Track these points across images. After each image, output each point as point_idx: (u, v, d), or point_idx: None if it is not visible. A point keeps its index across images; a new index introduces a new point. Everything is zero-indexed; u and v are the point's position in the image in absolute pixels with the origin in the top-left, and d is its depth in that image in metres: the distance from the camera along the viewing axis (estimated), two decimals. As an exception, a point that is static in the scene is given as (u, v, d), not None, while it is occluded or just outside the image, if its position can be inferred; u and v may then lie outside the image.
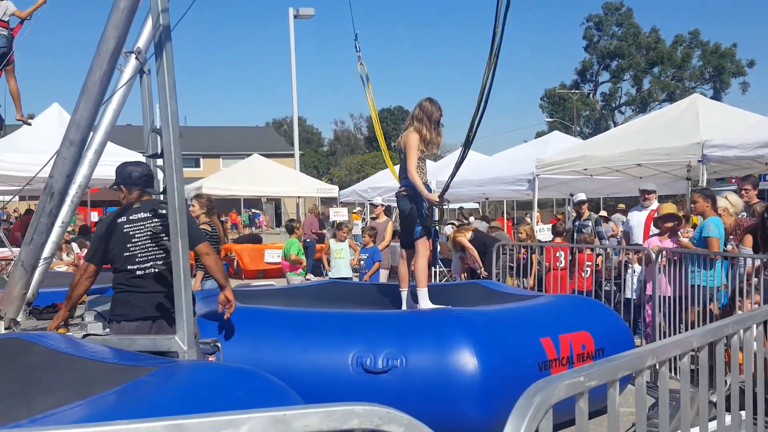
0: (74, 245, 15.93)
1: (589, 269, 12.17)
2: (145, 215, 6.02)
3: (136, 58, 6.57)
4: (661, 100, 77.86)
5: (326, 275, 15.91)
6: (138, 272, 5.93)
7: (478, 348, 6.55)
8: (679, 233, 10.72)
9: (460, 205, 30.54)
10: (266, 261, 22.00)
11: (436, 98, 8.25)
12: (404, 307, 8.45)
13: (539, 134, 66.44)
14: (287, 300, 9.22)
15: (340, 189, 30.09)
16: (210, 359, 5.39)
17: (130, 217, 5.99)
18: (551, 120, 76.36)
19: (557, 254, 12.65)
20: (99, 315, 5.93)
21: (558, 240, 14.27)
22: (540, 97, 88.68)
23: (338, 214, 25.05)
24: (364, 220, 28.74)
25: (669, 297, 9.66)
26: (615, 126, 65.05)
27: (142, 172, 6.20)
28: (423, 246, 8.17)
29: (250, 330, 7.00)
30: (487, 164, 21.27)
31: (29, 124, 11.77)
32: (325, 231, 23.56)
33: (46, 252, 6.34)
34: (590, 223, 14.80)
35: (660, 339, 9.95)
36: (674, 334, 9.41)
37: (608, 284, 11.98)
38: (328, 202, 35.05)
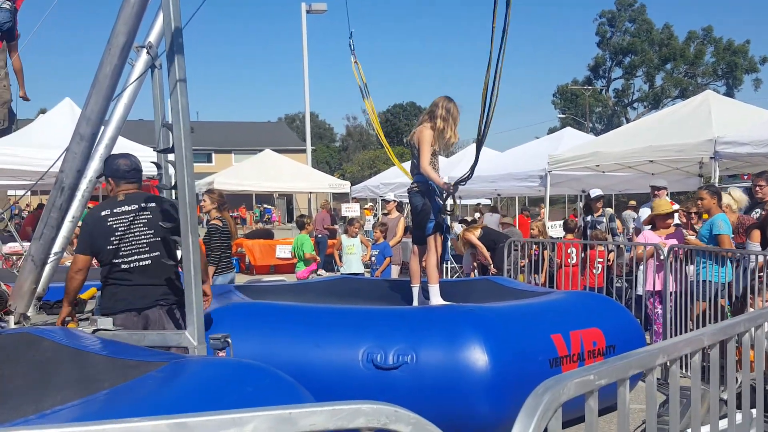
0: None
1: (600, 266, 12.13)
2: (129, 208, 6.03)
3: (148, 52, 6.56)
4: (674, 97, 77.53)
5: (338, 271, 15.91)
6: (123, 266, 5.95)
7: (489, 344, 6.53)
8: (684, 231, 10.72)
9: (478, 201, 30.43)
10: (277, 256, 22.04)
11: (449, 93, 8.25)
12: (415, 303, 8.43)
13: (551, 130, 66.21)
14: (298, 295, 9.21)
15: (352, 185, 30.05)
16: (220, 355, 5.38)
17: (114, 210, 6.00)
18: (563, 116, 76.19)
19: (569, 251, 12.62)
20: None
21: (570, 236, 14.24)
22: (552, 93, 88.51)
23: (350, 210, 25.03)
24: (375, 216, 28.72)
25: (673, 293, 9.67)
26: (627, 122, 64.84)
27: (130, 165, 6.20)
28: (434, 242, 8.16)
29: (260, 325, 6.99)
30: (500, 160, 21.22)
31: (28, 99, 11.57)
32: (336, 227, 23.56)
33: (57, 247, 6.34)
34: (604, 220, 14.76)
35: (663, 335, 9.95)
36: (679, 329, 9.41)
37: (619, 281, 11.94)
38: (340, 197, 35.07)
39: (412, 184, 8.26)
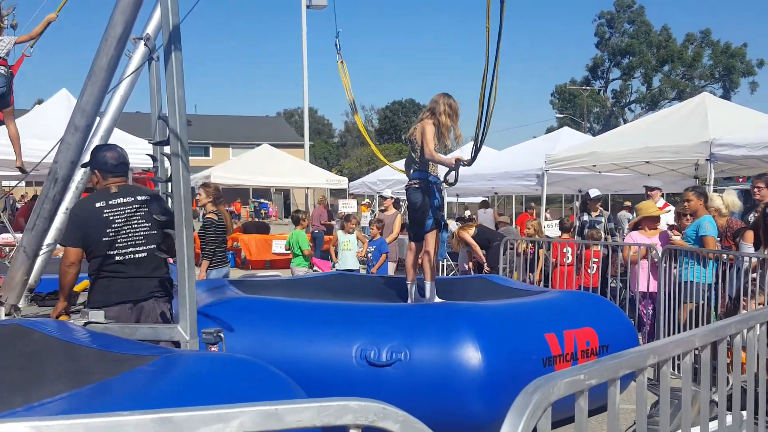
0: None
1: (595, 266, 12.14)
2: (125, 200, 6.01)
3: (145, 44, 6.53)
4: (671, 99, 77.66)
5: (333, 267, 15.90)
6: (117, 257, 5.92)
7: (483, 342, 6.52)
8: (669, 233, 10.75)
9: (484, 198, 30.47)
10: (273, 252, 22.01)
11: (448, 90, 8.25)
12: (410, 300, 8.42)
13: (549, 130, 66.27)
14: (292, 291, 9.21)
15: (350, 181, 30.05)
16: (212, 349, 5.36)
17: (110, 202, 5.95)
18: (561, 116, 76.25)
19: (564, 250, 12.62)
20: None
21: (566, 236, 14.24)
22: (551, 93, 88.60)
23: (347, 206, 25.02)
24: (372, 212, 28.70)
25: (658, 293, 9.73)
26: (625, 123, 64.89)
27: (118, 159, 6.14)
28: (432, 239, 8.15)
29: (253, 320, 6.99)
30: (497, 159, 21.23)
31: (26, 173, 10.95)
32: (333, 222, 23.54)
33: (49, 238, 6.31)
34: (603, 220, 14.78)
35: (648, 335, 9.97)
36: (667, 331, 9.42)
37: (614, 281, 11.94)
38: (338, 193, 35.05)
39: (410, 180, 8.25)
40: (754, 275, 8.35)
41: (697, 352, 3.28)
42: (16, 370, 4.01)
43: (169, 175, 5.55)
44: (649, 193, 12.81)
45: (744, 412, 3.84)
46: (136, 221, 6.00)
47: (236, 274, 15.01)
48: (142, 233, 6.01)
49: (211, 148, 71.53)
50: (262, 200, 61.61)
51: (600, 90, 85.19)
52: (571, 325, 7.37)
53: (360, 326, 6.90)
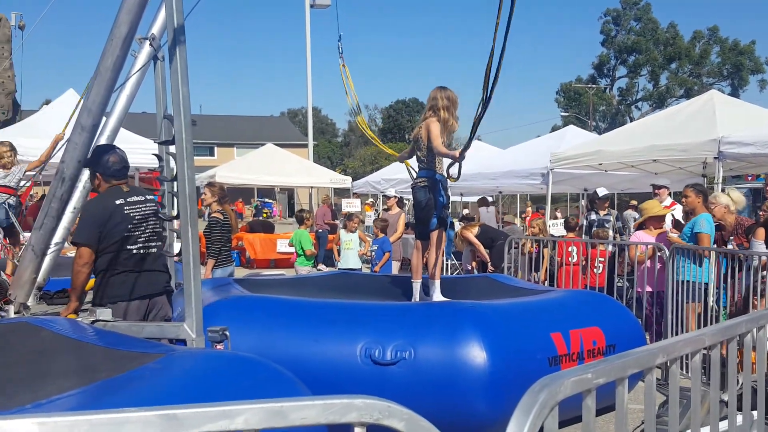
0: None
1: (601, 265, 12.10)
2: (139, 198, 6.24)
3: (150, 44, 6.54)
4: (679, 96, 77.52)
5: (335, 266, 15.89)
6: (134, 251, 6.11)
7: (488, 341, 6.50)
8: (668, 230, 10.73)
9: (482, 196, 30.41)
10: (278, 251, 22.02)
11: (452, 88, 8.22)
12: (415, 299, 8.41)
13: (554, 128, 66.19)
14: (297, 290, 9.19)
15: (354, 180, 30.03)
16: (218, 347, 5.36)
17: (128, 200, 6.15)
18: (566, 114, 76.12)
19: (569, 249, 12.58)
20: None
21: (571, 235, 14.22)
22: (556, 91, 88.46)
23: (351, 205, 25.00)
24: (376, 211, 28.68)
25: (654, 293, 9.72)
26: (631, 121, 64.79)
27: (121, 163, 6.30)
28: (438, 238, 8.14)
29: (259, 319, 6.98)
30: (502, 158, 21.16)
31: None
32: (337, 222, 23.53)
33: (58, 237, 6.33)
34: (611, 219, 14.76)
35: (654, 335, 9.95)
36: (674, 331, 9.43)
37: (621, 280, 11.91)
38: (342, 193, 35.03)
39: (416, 179, 8.23)
40: (765, 273, 8.32)
41: (706, 352, 3.26)
42: (25, 368, 4.02)
43: (174, 174, 5.57)
44: (656, 191, 12.77)
45: (754, 412, 3.82)
46: (150, 218, 6.25)
47: (241, 273, 15.02)
48: (153, 230, 6.27)
49: (215, 148, 71.53)
50: (267, 200, 61.53)
51: (606, 88, 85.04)
52: (577, 324, 7.33)
53: (365, 325, 6.88)
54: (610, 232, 14.77)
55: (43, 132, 15.03)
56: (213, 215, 10.73)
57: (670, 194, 13.98)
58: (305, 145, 35.45)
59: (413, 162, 8.54)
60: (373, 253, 14.54)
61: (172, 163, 5.81)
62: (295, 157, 28.91)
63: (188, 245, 5.24)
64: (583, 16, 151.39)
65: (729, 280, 8.93)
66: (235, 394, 3.67)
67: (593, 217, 15.27)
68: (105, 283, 6.08)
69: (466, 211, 22.36)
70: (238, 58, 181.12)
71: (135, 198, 6.21)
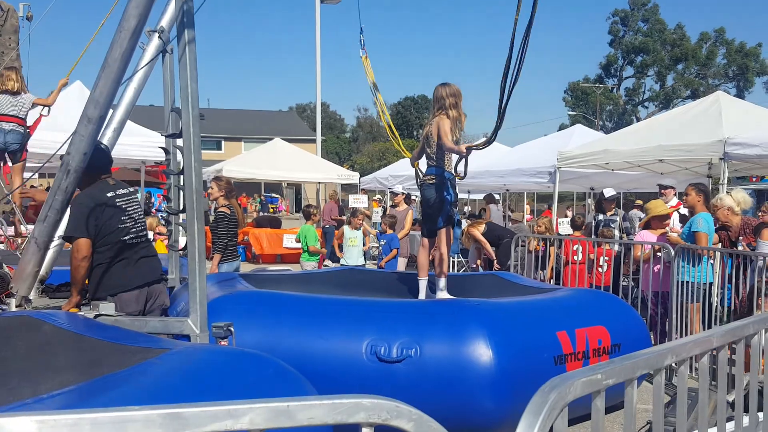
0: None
1: (606, 264, 12.08)
2: (126, 191, 6.38)
3: (159, 37, 6.51)
4: (685, 97, 77.50)
5: (337, 262, 15.86)
6: (128, 241, 6.20)
7: (494, 340, 6.48)
8: (668, 229, 10.69)
9: (488, 193, 30.38)
10: (285, 246, 22.02)
11: (460, 85, 8.22)
12: (422, 296, 8.39)
13: (561, 127, 66.14)
14: (303, 286, 9.17)
15: (362, 176, 30.00)
16: (222, 343, 5.34)
17: (118, 192, 6.27)
18: (573, 113, 76.10)
19: (575, 248, 12.56)
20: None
21: (577, 233, 14.19)
22: (564, 90, 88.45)
23: (358, 201, 24.96)
24: (384, 208, 28.65)
25: (660, 293, 9.70)
26: (638, 121, 64.71)
27: (106, 158, 6.45)
28: (445, 235, 8.12)
29: (264, 315, 6.95)
30: (509, 156, 21.13)
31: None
32: (344, 217, 23.52)
33: (61, 230, 6.31)
34: (618, 219, 14.73)
35: (659, 335, 9.92)
36: (674, 329, 9.40)
37: (626, 279, 11.88)
38: (349, 188, 35.03)
39: (424, 176, 8.23)
40: None
41: (714, 353, 3.23)
42: (26, 362, 4.01)
43: (181, 167, 5.55)
44: (662, 191, 12.74)
45: (761, 414, 3.79)
46: (138, 208, 6.40)
47: (247, 268, 14.99)
48: (142, 219, 6.44)
49: (223, 142, 71.54)
50: (273, 194, 61.52)
51: (613, 88, 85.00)
52: (583, 323, 7.31)
53: (370, 322, 6.85)
54: (616, 232, 14.74)
55: (49, 125, 14.97)
56: (220, 210, 10.71)
57: (676, 194, 13.93)
58: (313, 140, 35.42)
59: (422, 162, 8.53)
60: (381, 249, 14.52)
61: (179, 157, 5.80)
62: (303, 152, 28.86)
63: (194, 240, 5.24)
64: (592, 17, 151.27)
65: (734, 280, 8.91)
66: (238, 391, 3.65)
67: (600, 217, 15.25)
68: (103, 275, 6.09)
69: (467, 209, 22.29)
70: (247, 52, 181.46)
71: (122, 190, 6.33)
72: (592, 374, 2.23)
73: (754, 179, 22.07)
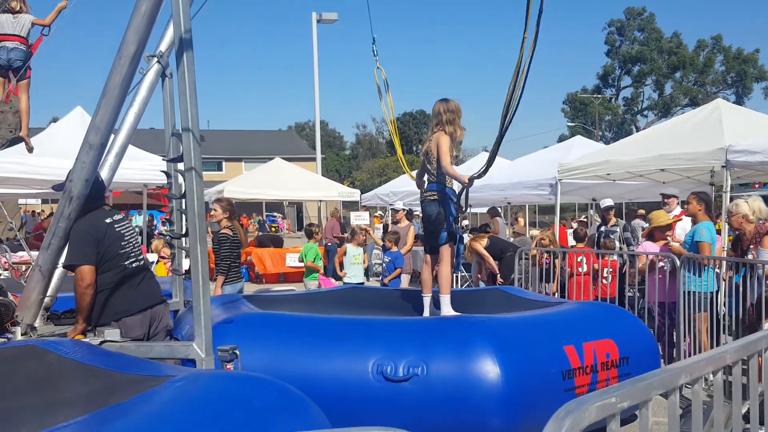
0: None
1: (610, 275, 12.04)
2: (120, 216, 6.41)
3: (158, 61, 6.52)
4: (684, 105, 77.65)
5: (338, 280, 15.83)
6: (128, 266, 6.22)
7: (501, 356, 6.44)
8: (669, 239, 10.66)
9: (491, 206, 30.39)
10: (288, 265, 22.01)
11: (457, 100, 8.21)
12: (426, 313, 8.36)
13: (561, 138, 66.24)
14: (307, 306, 9.15)
15: (362, 193, 30.00)
16: (228, 367, 5.32)
17: (114, 218, 6.30)
18: (572, 124, 76.23)
19: (579, 259, 12.52)
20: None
21: (581, 245, 14.16)
22: (562, 101, 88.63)
23: (359, 218, 24.94)
24: (385, 224, 28.63)
25: (666, 303, 9.72)
26: (637, 131, 64.78)
27: (101, 186, 6.50)
28: (448, 252, 8.09)
29: (269, 336, 6.92)
30: (510, 169, 21.12)
31: (30, 149, 11.31)
32: (346, 235, 23.51)
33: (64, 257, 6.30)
34: (618, 230, 14.69)
35: (666, 346, 9.87)
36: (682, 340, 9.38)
37: (631, 290, 11.84)
38: (350, 205, 35.04)
39: (425, 192, 8.20)
40: None
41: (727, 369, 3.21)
42: (32, 394, 3.99)
43: (183, 191, 5.54)
44: (666, 201, 12.71)
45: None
46: (134, 233, 6.45)
47: (250, 288, 14.96)
48: (138, 244, 6.49)
49: (224, 163, 71.72)
50: (274, 214, 61.58)
51: (611, 98, 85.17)
52: (590, 336, 7.27)
53: (376, 341, 6.82)
54: (617, 243, 14.71)
55: (50, 150, 15.00)
56: (222, 231, 10.69)
57: (679, 203, 13.90)
58: (313, 159, 35.45)
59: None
60: (384, 266, 14.49)
61: (181, 180, 5.79)
62: (303, 170, 28.90)
63: (197, 263, 5.22)
64: (588, 27, 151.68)
65: (740, 289, 8.85)
66: (245, 416, 3.63)
67: (602, 228, 15.23)
68: (107, 300, 6.07)
69: (465, 223, 22.23)
70: (245, 72, 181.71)
71: (117, 217, 6.35)
72: (606, 398, 2.20)
73: (756, 185, 22.06)
